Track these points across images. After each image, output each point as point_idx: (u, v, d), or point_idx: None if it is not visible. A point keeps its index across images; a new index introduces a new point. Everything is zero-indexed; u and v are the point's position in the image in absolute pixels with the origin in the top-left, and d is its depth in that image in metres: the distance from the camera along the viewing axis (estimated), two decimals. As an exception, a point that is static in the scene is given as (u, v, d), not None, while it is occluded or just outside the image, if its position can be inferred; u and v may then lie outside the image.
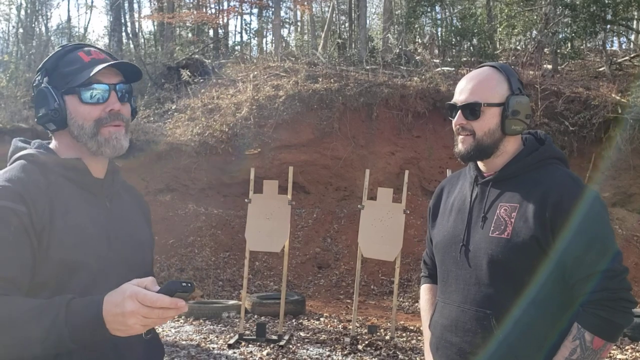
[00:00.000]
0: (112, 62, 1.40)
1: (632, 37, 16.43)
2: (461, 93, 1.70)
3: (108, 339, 1.20)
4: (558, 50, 13.44)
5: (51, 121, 1.39)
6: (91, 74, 1.37)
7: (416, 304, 8.19)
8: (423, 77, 11.94)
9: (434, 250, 1.85)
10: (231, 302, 7.42)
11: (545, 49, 13.94)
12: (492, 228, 1.63)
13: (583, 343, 1.52)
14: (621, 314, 1.52)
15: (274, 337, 5.88)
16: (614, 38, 18.45)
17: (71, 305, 1.17)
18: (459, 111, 1.69)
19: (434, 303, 1.87)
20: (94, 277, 1.33)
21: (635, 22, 16.23)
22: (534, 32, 15.18)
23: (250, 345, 5.73)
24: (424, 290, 1.99)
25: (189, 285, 1.15)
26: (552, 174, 1.64)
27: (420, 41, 17.29)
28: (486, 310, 1.61)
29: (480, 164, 1.75)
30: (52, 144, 1.46)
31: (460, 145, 1.71)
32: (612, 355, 5.68)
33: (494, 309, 1.60)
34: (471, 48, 14.99)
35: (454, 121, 1.71)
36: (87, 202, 1.41)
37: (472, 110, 1.67)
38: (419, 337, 6.25)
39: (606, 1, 12.53)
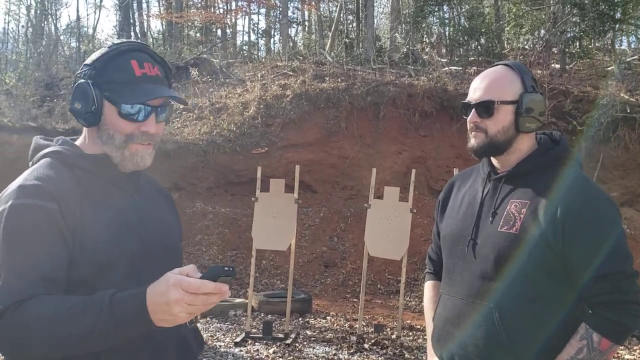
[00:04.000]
0: (164, 96, 1.39)
1: (642, 36, 16.31)
2: (475, 91, 1.71)
3: (151, 332, 1.19)
4: (566, 50, 13.37)
5: (83, 119, 1.38)
6: (139, 101, 1.35)
7: (422, 303, 8.17)
8: (430, 76, 11.93)
9: (441, 243, 1.85)
10: (238, 300, 7.45)
11: (554, 48, 13.87)
12: (501, 223, 1.64)
13: (590, 344, 1.52)
14: (630, 316, 1.52)
15: (281, 336, 5.90)
16: (623, 37, 18.33)
17: (114, 300, 1.18)
18: (473, 109, 1.70)
19: (438, 300, 1.87)
20: (128, 271, 1.33)
21: (644, 21, 16.09)
22: (542, 31, 15.11)
23: (256, 344, 5.74)
24: (429, 286, 2.00)
25: (231, 269, 1.16)
26: (565, 174, 1.63)
27: (427, 40, 17.26)
28: (490, 304, 1.62)
29: (494, 160, 1.76)
30: (79, 140, 1.46)
31: (473, 140, 1.72)
32: (619, 355, 5.65)
33: (498, 303, 1.61)
34: (479, 47, 14.94)
35: (468, 119, 1.72)
36: (116, 197, 1.41)
37: (485, 108, 1.67)
38: (425, 337, 6.24)
39: (615, 0, 12.45)
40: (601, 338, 1.51)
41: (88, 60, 1.41)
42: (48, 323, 1.16)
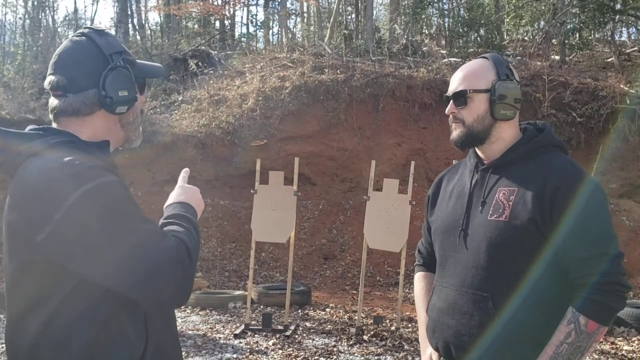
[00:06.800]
0: (156, 69, 1.58)
1: (642, 28, 16.25)
2: (452, 84, 1.78)
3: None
4: (566, 41, 13.33)
5: (127, 105, 1.43)
6: (162, 75, 1.57)
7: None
8: (430, 68, 11.90)
9: (433, 235, 1.88)
10: (237, 292, 7.46)
11: (553, 40, 13.84)
12: (490, 212, 1.66)
13: (577, 327, 1.53)
14: (615, 297, 1.54)
15: (280, 328, 5.92)
16: (623, 28, 18.26)
17: (185, 215, 1.42)
18: (451, 101, 1.77)
19: (429, 290, 1.90)
20: None
21: (644, 12, 16.02)
22: (542, 22, 15.07)
23: (256, 335, 5.76)
24: (418, 277, 2.02)
25: None
26: (551, 160, 1.67)
27: (427, 32, 17.20)
28: (483, 293, 1.63)
29: (479, 152, 1.80)
30: (64, 129, 1.40)
31: (453, 132, 1.78)
32: (618, 346, 5.67)
33: (491, 292, 1.62)
34: (478, 39, 14.91)
35: (446, 111, 1.78)
36: None
37: (460, 98, 1.73)
38: (425, 328, 6.27)
39: (615, -9, 12.41)
40: (587, 320, 1.52)
41: (116, 48, 1.43)
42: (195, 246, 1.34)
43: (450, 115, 1.77)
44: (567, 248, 1.56)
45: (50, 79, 1.40)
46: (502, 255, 1.62)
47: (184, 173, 1.61)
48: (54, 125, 1.42)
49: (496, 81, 1.70)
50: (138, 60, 1.50)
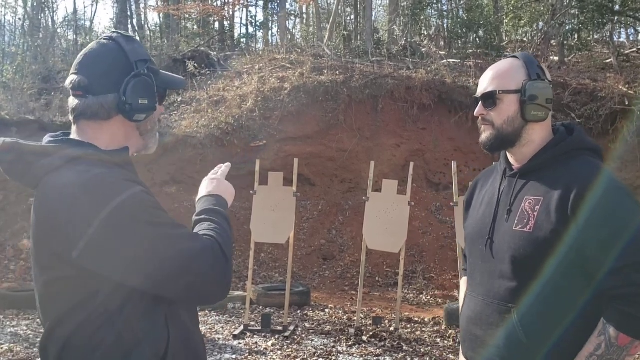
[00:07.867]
0: (178, 81, 1.58)
1: (640, 29, 16.27)
2: (481, 85, 1.71)
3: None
4: (565, 42, 13.36)
5: (144, 113, 1.43)
6: (183, 85, 1.61)
7: (420, 296, 8.23)
8: (429, 69, 11.92)
9: (465, 243, 1.85)
10: (236, 293, 7.46)
11: (552, 41, 13.86)
12: (516, 222, 1.61)
13: (608, 339, 1.48)
14: None
15: (279, 328, 5.92)
16: (622, 29, 18.27)
17: (217, 210, 1.48)
18: (480, 102, 1.70)
19: None
20: None
21: (643, 13, 16.04)
22: (541, 23, 15.08)
23: (255, 336, 5.76)
24: (463, 283, 1.99)
25: None
26: (578, 166, 1.58)
27: (426, 33, 17.22)
28: (508, 304, 1.60)
29: (509, 155, 1.73)
30: (82, 138, 1.40)
31: (483, 135, 1.71)
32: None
33: (517, 303, 1.58)
34: (477, 40, 14.93)
35: (475, 112, 1.72)
36: None
37: (489, 99, 1.67)
38: (423, 329, 6.28)
39: (614, -8, 12.43)
40: (618, 333, 1.46)
41: (142, 56, 1.43)
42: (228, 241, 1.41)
43: (479, 117, 1.70)
44: (597, 260, 1.49)
45: (72, 78, 1.40)
46: (527, 266, 1.56)
47: (225, 168, 1.69)
48: (73, 127, 1.42)
49: (527, 81, 1.63)
50: (161, 71, 1.50)
